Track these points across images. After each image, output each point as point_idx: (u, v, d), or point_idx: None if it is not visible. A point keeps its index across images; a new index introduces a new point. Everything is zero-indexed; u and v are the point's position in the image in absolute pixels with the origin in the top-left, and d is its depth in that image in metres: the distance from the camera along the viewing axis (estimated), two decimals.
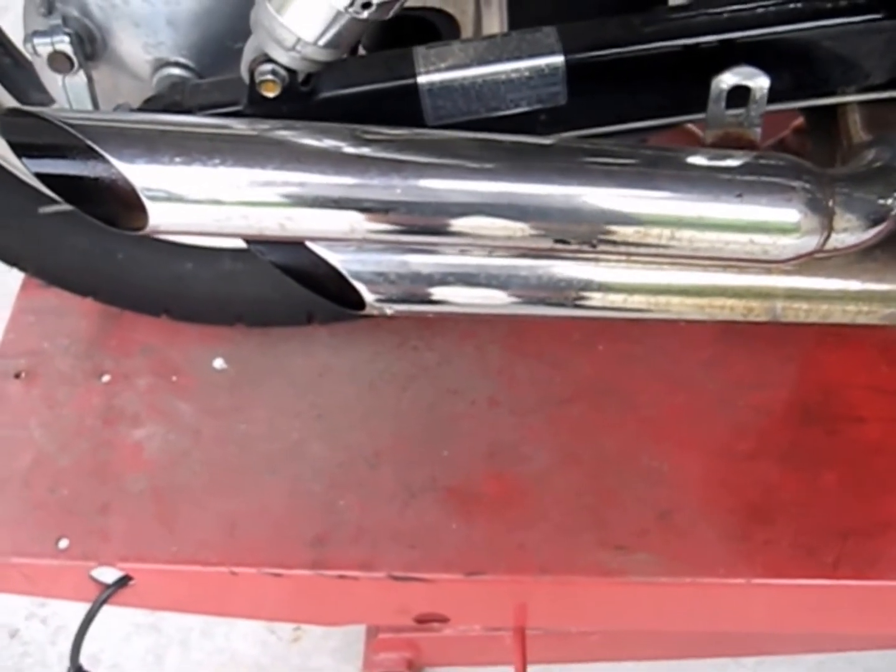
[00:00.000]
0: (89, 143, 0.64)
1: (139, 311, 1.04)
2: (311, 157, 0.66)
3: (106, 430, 1.02)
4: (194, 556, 0.93)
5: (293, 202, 0.66)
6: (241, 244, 0.92)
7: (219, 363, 1.05)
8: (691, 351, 1.04)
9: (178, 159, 0.65)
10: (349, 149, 0.66)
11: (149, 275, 1.00)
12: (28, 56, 0.80)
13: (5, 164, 0.93)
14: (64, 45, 0.75)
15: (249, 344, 1.06)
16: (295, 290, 0.94)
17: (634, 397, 1.01)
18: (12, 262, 1.01)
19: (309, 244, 0.72)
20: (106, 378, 1.05)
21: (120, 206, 0.67)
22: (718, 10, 0.72)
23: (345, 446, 0.99)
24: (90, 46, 0.78)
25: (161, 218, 0.67)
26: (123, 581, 0.96)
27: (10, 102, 0.92)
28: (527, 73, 0.72)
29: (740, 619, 0.97)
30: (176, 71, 0.78)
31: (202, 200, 0.66)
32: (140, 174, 0.65)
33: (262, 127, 0.67)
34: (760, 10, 0.72)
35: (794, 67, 0.73)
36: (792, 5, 0.72)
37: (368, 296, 0.73)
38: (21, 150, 0.67)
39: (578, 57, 0.72)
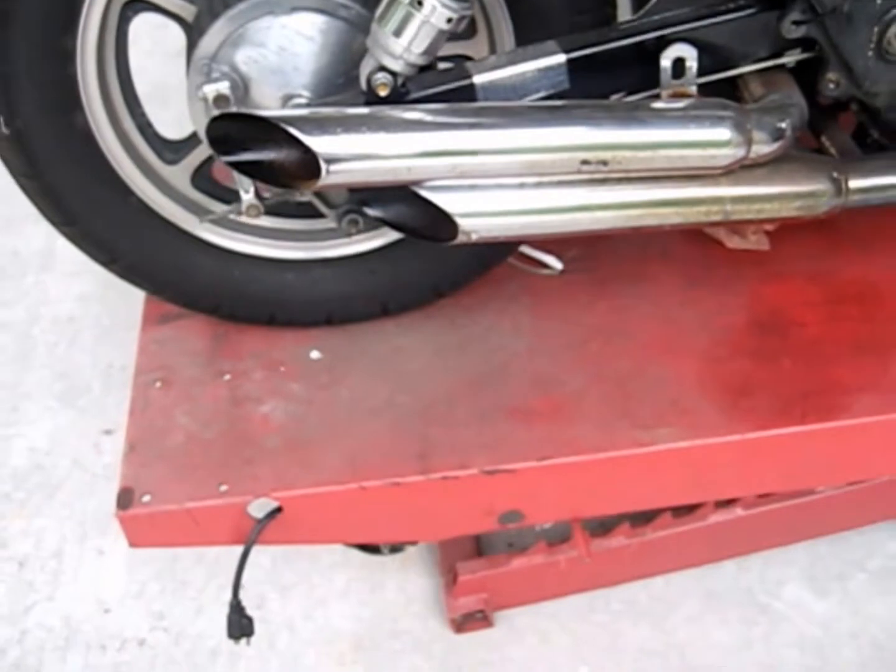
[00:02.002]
0: (282, 125, 1.07)
1: (252, 321, 1.44)
2: (421, 124, 1.11)
3: (237, 409, 1.39)
4: (330, 479, 1.30)
5: (419, 154, 1.10)
6: (328, 255, 1.36)
7: (315, 354, 1.44)
8: (668, 297, 1.48)
9: (338, 128, 1.08)
10: (453, 117, 1.11)
11: (259, 287, 1.41)
12: (190, 104, 1.23)
13: (167, 217, 1.33)
14: (225, 88, 1.19)
15: (336, 337, 1.45)
16: (371, 285, 1.37)
17: (635, 334, 1.44)
18: (156, 292, 1.41)
19: (417, 190, 1.14)
20: (227, 377, 1.43)
21: (296, 172, 1.10)
22: (657, 17, 1.21)
23: (425, 395, 1.38)
24: (238, 91, 1.21)
25: (333, 176, 1.09)
26: (274, 513, 1.31)
27: (156, 162, 1.34)
28: (543, 69, 1.18)
29: (743, 477, 1.36)
30: (300, 101, 1.22)
31: (362, 157, 1.08)
32: (322, 144, 1.07)
33: (394, 108, 1.11)
34: (684, 14, 1.20)
35: (709, 50, 1.22)
36: (700, 7, 1.21)
37: (462, 223, 1.15)
38: (219, 139, 1.10)
39: (574, 56, 1.19)
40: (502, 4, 1.25)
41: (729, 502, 1.50)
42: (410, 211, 1.18)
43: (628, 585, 1.59)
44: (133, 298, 1.90)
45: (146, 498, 1.28)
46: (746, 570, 1.61)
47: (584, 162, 1.14)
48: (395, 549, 1.46)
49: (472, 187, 1.16)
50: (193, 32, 1.23)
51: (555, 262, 1.51)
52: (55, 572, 1.68)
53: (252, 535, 1.31)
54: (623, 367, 1.40)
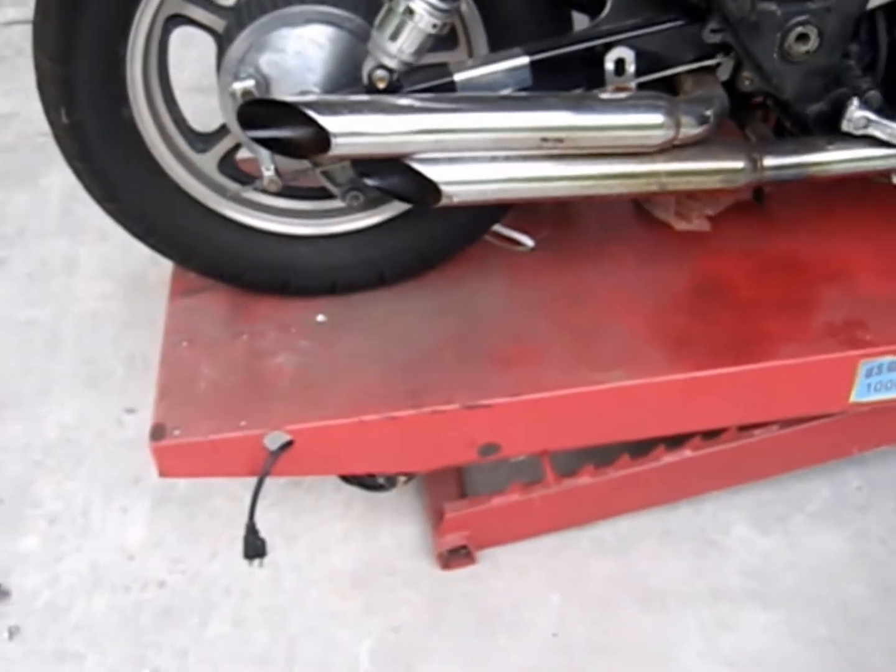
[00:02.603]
0: (300, 107, 1.42)
1: (267, 289, 1.76)
2: (411, 108, 1.45)
3: (253, 362, 1.70)
4: (335, 414, 1.62)
5: (409, 131, 1.44)
6: (333, 230, 1.70)
7: (320, 317, 1.77)
8: (625, 269, 1.82)
9: (345, 111, 1.43)
10: (437, 103, 1.45)
11: (275, 258, 1.74)
12: (221, 99, 1.57)
13: (197, 197, 1.67)
14: (251, 85, 1.53)
15: (339, 304, 1.78)
16: (370, 257, 1.70)
17: (595, 299, 1.77)
18: (183, 262, 1.74)
19: (408, 162, 1.48)
20: (244, 337, 1.75)
21: (311, 145, 1.44)
22: (603, 27, 1.56)
23: (417, 348, 1.70)
24: (261, 87, 1.56)
25: (339, 149, 1.43)
26: (286, 446, 1.62)
27: (189, 150, 1.68)
28: (511, 68, 1.53)
29: (685, 412, 1.69)
30: (312, 97, 1.56)
31: (363, 133, 1.43)
32: (333, 123, 1.42)
33: (390, 95, 1.45)
34: (625, 25, 1.56)
35: (646, 54, 1.57)
36: (638, 20, 1.56)
37: (447, 190, 1.49)
38: (249, 120, 1.44)
39: (536, 58, 1.54)
40: (478, 19, 1.60)
41: (678, 444, 1.81)
42: (402, 180, 1.51)
43: (595, 526, 1.90)
44: (151, 297, 2.27)
45: (176, 432, 1.59)
46: (699, 513, 1.92)
47: (544, 139, 1.48)
48: (391, 480, 1.77)
49: (453, 160, 1.50)
50: (223, 41, 1.58)
51: (527, 241, 1.86)
52: (83, 527, 1.98)
53: (266, 464, 1.62)
54: (583, 324, 1.73)
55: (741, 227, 1.88)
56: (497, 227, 1.84)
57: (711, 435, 1.81)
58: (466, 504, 1.84)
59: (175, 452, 1.60)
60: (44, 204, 2.68)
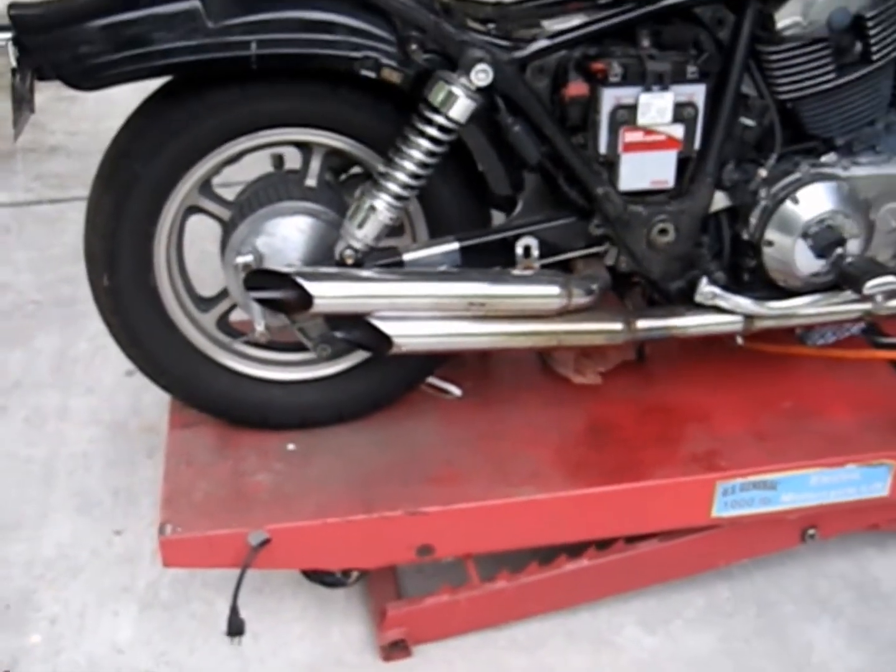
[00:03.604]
0: (292, 276, 1.99)
1: (249, 423, 2.29)
2: (371, 278, 2.03)
3: (238, 479, 2.21)
4: (304, 517, 2.12)
5: (369, 296, 2.02)
6: (303, 377, 2.26)
7: (291, 446, 2.29)
8: (533, 413, 2.38)
9: (324, 279, 2.00)
10: (391, 275, 2.04)
11: (256, 399, 2.27)
12: (224, 271, 2.14)
13: (200, 347, 2.21)
14: (250, 259, 2.10)
15: (306, 435, 2.30)
16: (332, 399, 2.26)
17: (510, 434, 2.32)
18: (185, 400, 2.27)
19: (368, 319, 2.05)
20: (230, 460, 2.27)
21: (297, 305, 2.01)
22: (515, 222, 2.17)
23: (368, 470, 2.22)
24: (257, 261, 2.12)
25: (319, 308, 2.00)
26: (264, 543, 2.11)
27: (194, 310, 2.23)
28: (445, 252, 2.12)
29: (581, 522, 2.22)
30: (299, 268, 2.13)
31: (336, 297, 2.00)
32: (315, 288, 1.98)
33: (356, 269, 2.04)
34: (531, 220, 2.16)
35: (547, 243, 2.17)
36: (541, 217, 2.17)
37: (397, 341, 2.06)
38: (252, 285, 2.01)
39: (464, 244, 2.13)
40: (421, 215, 2.20)
41: (578, 553, 2.32)
42: (363, 333, 2.07)
43: (510, 626, 2.37)
44: (133, 441, 2.78)
45: (178, 529, 2.08)
46: (596, 617, 2.41)
47: (471, 304, 2.06)
48: (346, 574, 2.26)
49: (402, 318, 2.07)
50: (228, 227, 2.16)
51: (455, 390, 2.42)
52: (79, 627, 2.40)
53: (249, 557, 2.11)
54: (501, 452, 2.27)
55: (626, 380, 2.46)
56: (431, 379, 2.40)
57: (604, 546, 2.32)
58: (405, 603, 2.32)
59: (177, 546, 2.09)
60: (36, 362, 3.19)
